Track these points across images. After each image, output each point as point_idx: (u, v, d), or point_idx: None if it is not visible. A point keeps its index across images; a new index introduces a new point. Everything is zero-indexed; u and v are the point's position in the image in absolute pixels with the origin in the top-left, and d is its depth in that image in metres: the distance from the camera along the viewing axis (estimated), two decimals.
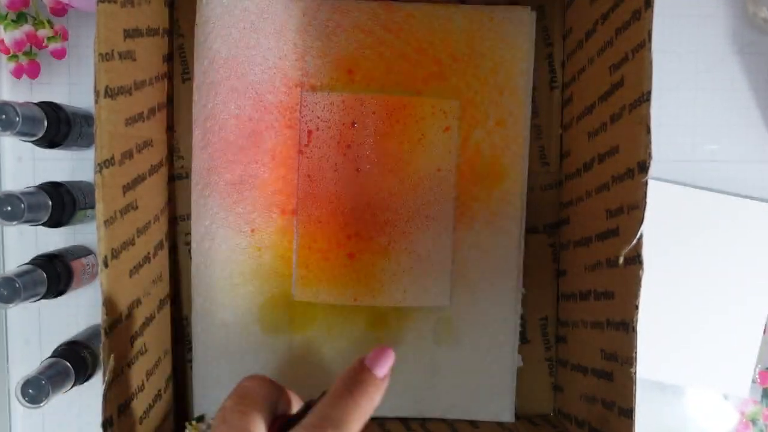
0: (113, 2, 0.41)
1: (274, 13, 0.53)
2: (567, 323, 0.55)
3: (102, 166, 0.40)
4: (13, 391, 0.55)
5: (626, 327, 0.42)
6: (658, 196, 0.57)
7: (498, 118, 0.55)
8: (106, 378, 0.40)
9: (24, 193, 0.46)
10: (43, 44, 0.53)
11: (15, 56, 0.53)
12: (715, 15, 0.57)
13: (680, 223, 0.57)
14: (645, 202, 0.40)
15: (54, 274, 0.49)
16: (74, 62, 0.56)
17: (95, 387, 0.55)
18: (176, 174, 0.55)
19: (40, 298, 0.49)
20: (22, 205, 0.45)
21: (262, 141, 0.53)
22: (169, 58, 0.54)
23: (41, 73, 0.54)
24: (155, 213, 0.50)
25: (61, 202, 0.49)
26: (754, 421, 0.59)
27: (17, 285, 0.45)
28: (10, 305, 0.45)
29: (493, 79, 0.55)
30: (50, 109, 0.49)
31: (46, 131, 0.47)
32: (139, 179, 0.46)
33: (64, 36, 0.54)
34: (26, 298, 0.47)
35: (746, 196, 0.57)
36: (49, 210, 0.48)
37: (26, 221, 0.47)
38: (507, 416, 0.56)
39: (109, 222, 0.41)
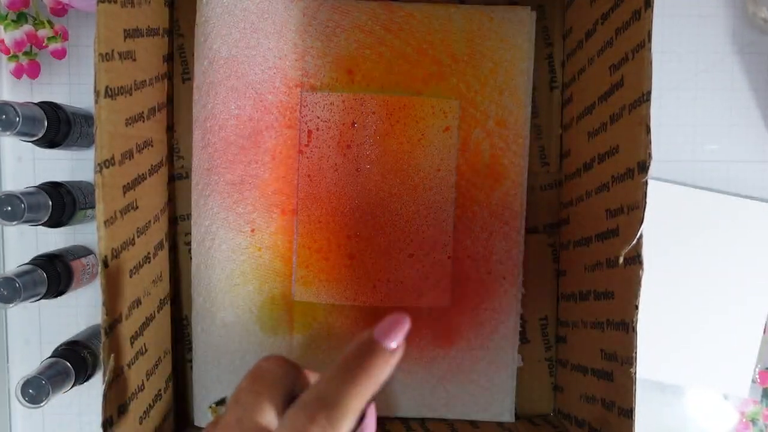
0: (113, 2, 0.41)
1: (274, 13, 0.53)
2: (567, 323, 0.55)
3: (102, 166, 0.40)
4: (13, 391, 0.55)
5: (626, 327, 0.42)
6: (658, 196, 0.57)
7: (498, 118, 0.55)
8: (106, 378, 0.40)
9: (24, 193, 0.46)
10: (44, 44, 0.53)
11: (15, 56, 0.53)
12: (715, 15, 0.57)
13: (680, 223, 0.57)
14: (645, 202, 0.40)
15: (54, 274, 0.49)
16: (74, 62, 0.56)
17: (95, 387, 0.56)
18: (176, 174, 0.55)
19: (40, 298, 0.49)
20: (22, 205, 0.45)
21: (262, 141, 0.53)
22: (169, 58, 0.54)
23: (41, 73, 0.54)
24: (155, 213, 0.50)
25: (61, 202, 0.49)
26: (754, 421, 0.59)
27: (17, 285, 0.45)
28: (10, 305, 0.45)
29: (493, 79, 0.55)
30: (50, 109, 0.49)
31: (46, 131, 0.47)
32: (139, 179, 0.46)
33: (65, 36, 0.54)
34: (26, 298, 0.47)
35: (746, 196, 0.57)
36: (49, 210, 0.48)
37: (26, 221, 0.47)
38: (507, 416, 0.56)
39: (109, 222, 0.41)
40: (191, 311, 0.54)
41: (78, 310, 0.57)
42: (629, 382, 0.41)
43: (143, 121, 0.47)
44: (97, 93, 0.39)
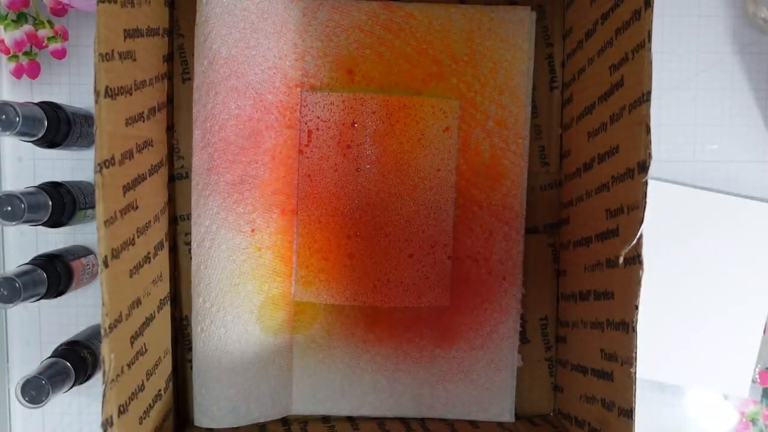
0: (113, 2, 0.41)
1: (274, 13, 0.53)
2: (567, 323, 0.55)
3: (102, 166, 0.40)
4: (13, 391, 0.55)
5: (626, 327, 0.42)
6: (658, 196, 0.57)
7: (498, 118, 0.55)
8: (106, 378, 0.40)
9: (24, 193, 0.46)
10: (44, 44, 0.53)
11: (15, 56, 0.53)
12: (715, 15, 0.57)
13: (680, 223, 0.57)
14: (645, 202, 0.40)
15: (54, 274, 0.49)
16: (74, 62, 0.56)
17: (95, 387, 0.56)
18: (176, 174, 0.55)
19: (40, 298, 0.49)
20: (23, 205, 0.45)
21: (262, 141, 0.53)
22: (169, 58, 0.54)
23: (41, 73, 0.54)
24: (155, 213, 0.50)
25: (61, 202, 0.49)
26: (754, 421, 0.59)
27: (17, 285, 0.45)
28: (10, 305, 0.45)
29: (493, 79, 0.55)
30: (50, 109, 0.49)
31: (46, 131, 0.47)
32: (139, 179, 0.46)
33: (65, 36, 0.54)
34: (26, 298, 0.47)
35: (746, 196, 0.57)
36: (49, 210, 0.48)
37: (26, 221, 0.47)
38: (507, 416, 0.56)
39: (109, 222, 0.41)
40: (191, 311, 0.54)
41: (78, 310, 0.57)
42: (629, 382, 0.41)
43: (143, 121, 0.47)
44: (97, 93, 0.39)
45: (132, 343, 0.45)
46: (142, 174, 0.47)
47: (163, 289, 0.52)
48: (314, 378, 0.55)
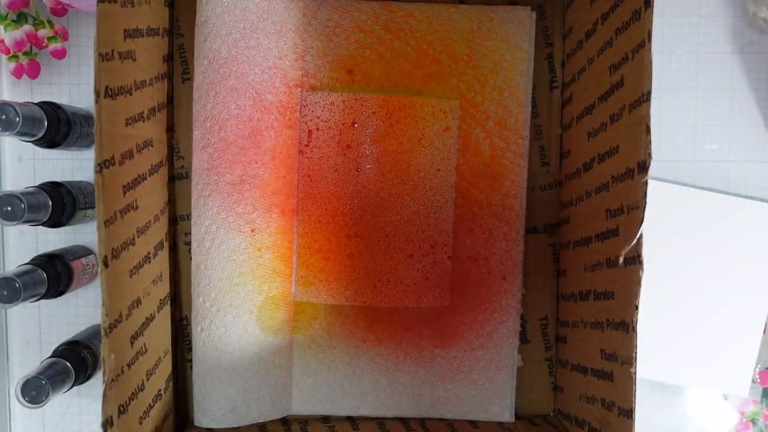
0: (113, 2, 0.41)
1: (274, 13, 0.53)
2: (567, 323, 0.55)
3: (102, 166, 0.40)
4: (13, 391, 0.55)
5: (626, 327, 0.42)
6: (658, 196, 0.57)
7: (498, 118, 0.55)
8: (106, 378, 0.40)
9: (24, 193, 0.46)
10: (44, 44, 0.53)
11: (15, 56, 0.53)
12: (715, 15, 0.57)
13: (680, 223, 0.57)
14: (645, 202, 0.40)
15: (54, 274, 0.49)
16: (74, 62, 0.56)
17: (95, 387, 0.56)
18: (176, 174, 0.55)
19: (40, 298, 0.49)
20: (23, 205, 0.45)
21: (262, 141, 0.53)
22: (169, 58, 0.54)
23: (41, 73, 0.54)
24: (155, 213, 0.50)
25: (61, 202, 0.49)
26: (754, 421, 0.59)
27: (17, 285, 0.45)
28: (11, 305, 0.45)
29: (493, 79, 0.55)
30: (50, 109, 0.49)
31: (46, 131, 0.47)
32: (139, 179, 0.46)
33: (65, 36, 0.54)
34: (26, 298, 0.47)
35: (746, 196, 0.57)
36: (49, 210, 0.48)
37: (26, 221, 0.47)
38: (507, 416, 0.56)
39: (109, 222, 0.41)
40: (191, 311, 0.54)
41: (78, 310, 0.57)
42: (629, 382, 0.41)
43: (143, 121, 0.47)
44: (97, 93, 0.39)
45: (132, 343, 0.45)
46: (142, 174, 0.47)
47: (163, 289, 0.52)
48: (314, 378, 0.55)
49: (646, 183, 0.40)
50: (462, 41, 0.55)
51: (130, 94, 0.44)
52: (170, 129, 0.55)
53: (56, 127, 0.49)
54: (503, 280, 0.55)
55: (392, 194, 0.54)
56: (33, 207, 0.46)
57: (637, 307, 0.40)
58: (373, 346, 0.55)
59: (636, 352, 0.41)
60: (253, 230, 0.53)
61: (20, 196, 0.45)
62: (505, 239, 0.55)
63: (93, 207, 0.52)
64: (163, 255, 0.52)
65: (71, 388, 0.49)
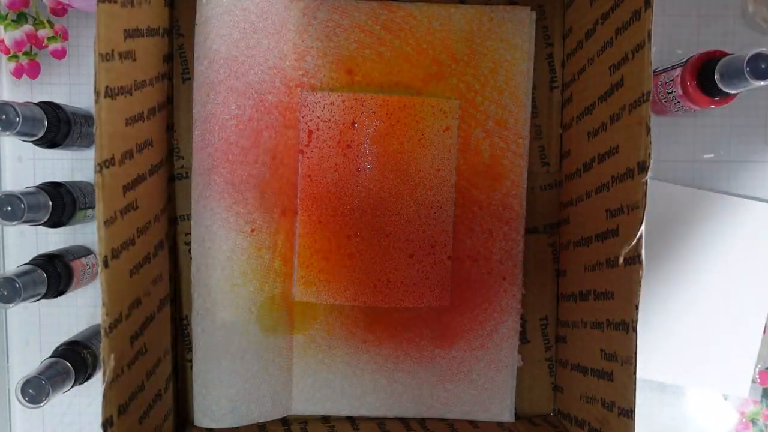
0: (113, 2, 0.41)
1: (274, 13, 0.53)
2: (567, 323, 0.55)
3: (102, 166, 0.40)
4: (13, 391, 0.55)
5: (626, 327, 0.42)
6: (658, 196, 0.57)
7: (498, 118, 0.55)
8: (106, 378, 0.40)
9: (24, 193, 0.46)
10: (43, 44, 0.53)
11: (15, 56, 0.53)
12: (715, 15, 0.57)
13: (680, 223, 0.57)
14: (645, 202, 0.40)
15: (54, 274, 0.49)
16: (74, 62, 0.56)
17: (95, 387, 0.56)
18: (176, 174, 0.55)
19: (40, 298, 0.49)
20: (23, 205, 0.45)
21: (262, 141, 0.53)
22: (169, 58, 0.54)
23: (41, 73, 0.54)
24: (155, 213, 0.50)
25: (61, 202, 0.49)
26: (753, 421, 0.59)
27: (17, 285, 0.45)
28: (10, 305, 0.45)
29: (493, 79, 0.55)
30: (50, 109, 0.49)
31: (46, 131, 0.47)
32: (139, 179, 0.46)
33: (64, 36, 0.54)
34: (26, 298, 0.47)
35: (746, 196, 0.57)
36: (49, 210, 0.48)
37: (26, 221, 0.47)
38: (507, 416, 0.56)
39: (109, 222, 0.41)
40: (191, 311, 0.54)
41: (78, 310, 0.57)
42: (629, 382, 0.41)
43: (143, 121, 0.47)
44: (97, 93, 0.39)
45: (132, 343, 0.45)
46: (142, 174, 0.47)
47: (163, 289, 0.52)
48: (314, 378, 0.55)
49: (646, 183, 0.40)
50: (462, 41, 0.55)
51: (130, 94, 0.44)
52: (170, 129, 0.55)
53: (56, 127, 0.49)
54: (503, 280, 0.55)
55: (392, 194, 0.54)
56: (33, 207, 0.46)
57: (637, 307, 0.40)
58: (373, 346, 0.55)
59: (636, 352, 0.41)
60: (253, 230, 0.53)
61: (20, 196, 0.45)
62: (505, 239, 0.55)
63: (93, 207, 0.52)
64: (163, 255, 0.52)
65: (71, 388, 0.49)
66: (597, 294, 0.48)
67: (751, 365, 0.57)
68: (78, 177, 0.56)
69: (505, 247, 0.55)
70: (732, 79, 0.47)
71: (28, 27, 0.52)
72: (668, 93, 0.52)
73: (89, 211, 0.53)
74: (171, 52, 0.55)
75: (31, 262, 0.50)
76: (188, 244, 0.55)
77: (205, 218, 0.53)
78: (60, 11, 0.54)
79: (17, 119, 0.44)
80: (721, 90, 0.48)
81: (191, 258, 0.54)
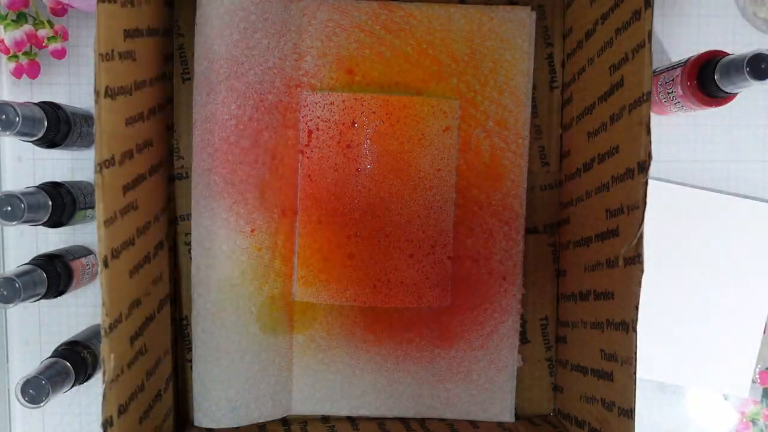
0: (113, 2, 0.41)
1: (274, 13, 0.53)
2: (567, 323, 0.55)
3: (102, 166, 0.40)
4: (13, 391, 0.55)
5: (626, 327, 0.42)
6: (658, 196, 0.57)
7: (498, 118, 0.55)
8: (106, 378, 0.40)
9: (24, 193, 0.46)
10: (43, 44, 0.53)
11: (15, 56, 0.53)
12: (715, 15, 0.57)
13: (680, 223, 0.57)
14: (645, 202, 0.40)
15: (54, 275, 0.49)
16: (74, 62, 0.56)
17: (95, 387, 0.56)
18: (176, 174, 0.55)
19: (40, 299, 0.49)
20: (22, 205, 0.45)
21: (262, 141, 0.53)
22: (169, 58, 0.54)
23: (41, 73, 0.54)
24: (155, 213, 0.50)
25: (61, 202, 0.49)
26: (754, 422, 0.59)
27: (17, 285, 0.45)
28: (10, 305, 0.45)
29: (493, 79, 0.55)
30: (50, 109, 0.49)
31: (46, 131, 0.47)
32: (139, 179, 0.46)
33: (64, 36, 0.54)
34: (26, 299, 0.47)
35: (746, 196, 0.57)
36: (49, 210, 0.48)
37: (26, 221, 0.47)
38: (507, 416, 0.56)
39: (109, 222, 0.41)
40: (191, 311, 0.54)
41: (78, 310, 0.57)
42: (629, 382, 0.41)
43: (143, 121, 0.47)
44: (97, 93, 0.39)
45: (132, 343, 0.45)
46: (142, 174, 0.47)
47: (163, 289, 0.52)
48: (314, 378, 0.55)
49: (646, 183, 0.40)
50: (462, 41, 0.55)
51: (130, 94, 0.44)
52: (170, 129, 0.55)
53: (56, 127, 0.49)
54: (503, 280, 0.55)
55: (392, 194, 0.54)
56: (33, 207, 0.46)
57: (637, 307, 0.40)
58: (373, 346, 0.55)
59: (636, 352, 0.41)
60: (253, 230, 0.53)
61: (20, 196, 0.45)
62: (505, 239, 0.55)
63: (93, 207, 0.52)
64: (163, 255, 0.52)
65: (71, 388, 0.49)
66: (597, 294, 0.48)
67: (751, 365, 0.57)
68: (78, 177, 0.56)
69: (505, 247, 0.55)
70: (732, 80, 0.47)
71: (28, 27, 0.52)
72: (668, 93, 0.52)
73: (89, 211, 0.53)
74: (171, 52, 0.55)
75: (31, 262, 0.50)
76: (188, 244, 0.55)
77: (205, 218, 0.53)
78: (60, 11, 0.54)
79: (17, 119, 0.44)
80: (721, 90, 0.48)
81: (191, 258, 0.54)
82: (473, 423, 0.56)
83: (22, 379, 0.45)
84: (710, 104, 0.50)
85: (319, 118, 0.54)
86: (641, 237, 0.40)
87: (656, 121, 0.56)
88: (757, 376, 0.58)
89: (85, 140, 0.52)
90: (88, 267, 0.54)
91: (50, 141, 0.49)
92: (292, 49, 0.54)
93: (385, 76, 0.55)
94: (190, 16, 0.53)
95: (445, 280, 0.55)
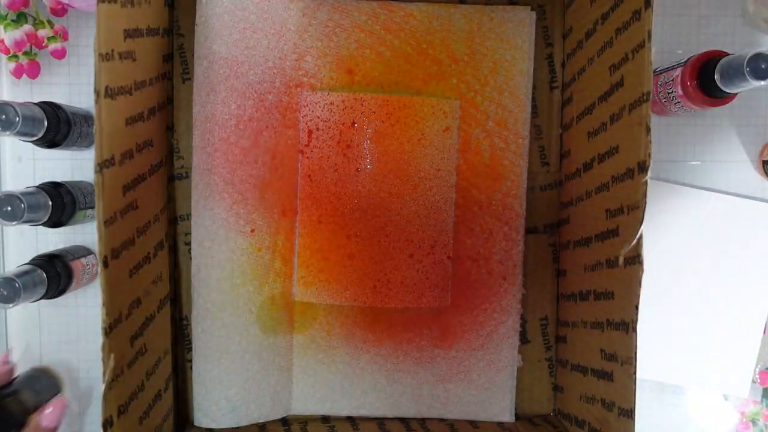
0: (113, 2, 0.41)
1: (273, 13, 0.53)
2: (567, 323, 0.55)
3: (102, 166, 0.40)
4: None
5: (626, 327, 0.42)
6: (658, 196, 0.57)
7: (498, 119, 0.55)
8: (106, 378, 0.40)
9: (24, 193, 0.46)
10: (43, 44, 0.53)
11: (15, 56, 0.53)
12: (715, 15, 0.57)
13: (680, 223, 0.57)
14: (645, 202, 0.40)
15: (54, 275, 0.49)
16: (74, 62, 0.56)
17: (95, 387, 0.56)
18: (176, 174, 0.55)
19: (40, 299, 0.49)
20: (22, 205, 0.45)
21: (262, 141, 0.53)
22: (169, 58, 0.54)
23: (41, 73, 0.54)
24: (155, 213, 0.50)
25: (61, 202, 0.49)
26: (754, 422, 0.59)
27: (17, 285, 0.45)
28: (10, 305, 0.45)
29: (493, 80, 0.55)
30: (50, 109, 0.49)
31: (46, 131, 0.47)
32: (139, 179, 0.46)
33: (64, 36, 0.54)
34: (26, 299, 0.47)
35: (746, 196, 0.57)
36: (49, 210, 0.48)
37: (26, 221, 0.47)
38: (507, 416, 0.56)
39: (109, 222, 0.41)
40: (191, 311, 0.54)
41: (78, 310, 0.57)
42: (629, 382, 0.41)
43: (143, 121, 0.47)
44: (97, 93, 0.39)
45: (132, 343, 0.45)
46: (142, 174, 0.47)
47: (163, 289, 0.52)
48: (314, 378, 0.55)
49: (646, 183, 0.40)
50: (462, 41, 0.55)
51: (130, 94, 0.44)
52: (170, 129, 0.55)
53: (56, 127, 0.49)
54: (503, 280, 0.55)
55: (392, 194, 0.54)
56: (33, 207, 0.46)
57: (637, 307, 0.40)
58: (373, 346, 0.55)
59: (636, 352, 0.41)
60: (253, 230, 0.53)
61: (20, 196, 0.45)
62: (505, 239, 0.55)
63: (93, 207, 0.52)
64: (163, 255, 0.52)
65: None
66: (597, 294, 0.48)
67: (751, 365, 0.57)
68: (78, 177, 0.56)
69: (505, 247, 0.55)
70: (732, 79, 0.47)
71: (28, 27, 0.52)
72: (668, 93, 0.52)
73: (89, 211, 0.53)
74: (171, 52, 0.55)
75: (31, 262, 0.50)
76: (188, 244, 0.55)
77: (205, 218, 0.53)
78: (60, 11, 0.54)
79: (17, 119, 0.44)
80: (721, 90, 0.48)
81: (191, 258, 0.54)
82: (473, 423, 0.56)
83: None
84: (710, 104, 0.50)
85: (319, 118, 0.54)
86: (641, 237, 0.40)
87: (656, 121, 0.56)
88: (757, 376, 0.58)
89: (85, 140, 0.52)
90: (88, 267, 0.54)
91: (50, 141, 0.49)
92: (292, 49, 0.54)
93: (385, 76, 0.55)
94: (190, 16, 0.53)
95: (445, 280, 0.55)
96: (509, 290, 0.55)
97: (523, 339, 0.57)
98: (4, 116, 0.44)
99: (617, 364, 0.43)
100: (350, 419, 0.56)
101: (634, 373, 0.41)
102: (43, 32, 0.53)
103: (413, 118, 0.54)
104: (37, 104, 0.48)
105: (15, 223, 0.45)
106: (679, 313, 0.57)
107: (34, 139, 0.48)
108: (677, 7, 0.57)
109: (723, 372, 0.58)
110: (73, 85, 0.56)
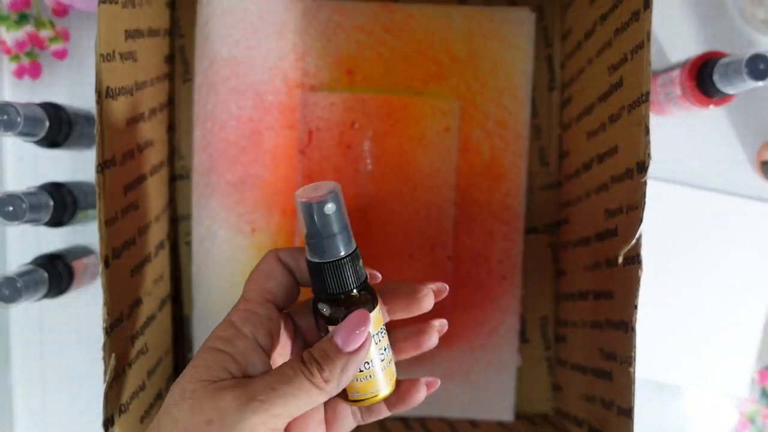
0: (114, 3, 0.41)
1: (274, 13, 0.53)
2: (566, 323, 0.55)
3: (103, 166, 0.40)
4: (14, 391, 0.55)
5: (625, 327, 0.42)
6: (658, 196, 0.57)
7: (498, 119, 0.55)
8: (106, 378, 0.40)
9: (26, 193, 0.46)
10: (45, 45, 0.53)
11: (17, 57, 0.53)
12: (715, 15, 0.57)
13: (680, 223, 0.57)
14: (644, 202, 0.40)
15: (55, 274, 0.50)
16: (76, 63, 0.56)
17: (97, 387, 0.56)
18: (177, 174, 0.56)
19: (42, 298, 0.49)
20: (24, 205, 0.45)
21: (262, 141, 0.53)
22: (169, 59, 0.54)
23: (43, 73, 0.55)
24: (156, 213, 0.50)
25: (62, 202, 0.49)
26: (753, 421, 0.59)
27: (19, 285, 0.45)
28: (12, 305, 0.46)
29: (493, 80, 0.55)
30: (52, 109, 0.49)
31: (47, 132, 0.48)
32: (140, 179, 0.47)
33: (66, 37, 0.54)
34: (27, 298, 0.47)
35: (746, 196, 0.58)
36: (51, 210, 0.48)
37: (28, 221, 0.47)
38: (507, 415, 0.56)
39: (110, 222, 0.41)
40: (192, 311, 0.54)
41: (79, 310, 0.57)
42: (628, 381, 0.41)
43: (144, 122, 0.47)
44: (98, 93, 0.40)
45: (133, 342, 0.45)
46: (143, 174, 0.47)
47: (164, 288, 0.52)
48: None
49: (645, 183, 0.40)
50: (462, 41, 0.55)
51: (131, 95, 0.45)
52: (171, 129, 0.55)
53: (57, 127, 0.49)
54: (503, 280, 0.55)
55: (392, 194, 0.54)
56: (34, 207, 0.46)
57: (636, 307, 0.40)
58: None
59: (635, 352, 0.41)
60: (253, 230, 0.53)
61: (22, 196, 0.45)
62: (505, 239, 0.55)
63: (94, 207, 0.52)
64: (164, 255, 0.52)
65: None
66: (596, 294, 0.48)
67: (750, 365, 0.58)
68: (79, 177, 0.56)
69: (504, 247, 0.55)
70: (730, 80, 0.47)
71: (29, 27, 0.52)
72: (668, 93, 0.52)
73: (90, 211, 0.53)
74: (172, 52, 0.55)
75: (32, 262, 0.50)
76: (189, 244, 0.55)
77: (206, 218, 0.53)
78: (61, 12, 0.54)
79: (19, 119, 0.44)
80: (720, 90, 0.49)
81: (192, 258, 0.54)
82: (473, 422, 0.56)
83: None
84: (709, 104, 0.51)
85: (319, 118, 0.54)
86: (640, 237, 0.40)
87: (655, 121, 0.56)
88: (757, 376, 0.58)
89: (86, 140, 0.53)
90: (89, 267, 0.54)
91: (52, 141, 0.49)
92: (292, 50, 0.54)
93: (385, 76, 0.55)
94: (191, 17, 0.54)
95: (445, 280, 0.55)
96: (509, 290, 0.55)
97: (523, 338, 0.57)
98: (6, 117, 0.44)
99: (616, 364, 0.43)
100: None
101: (633, 372, 0.41)
102: (45, 33, 0.53)
103: (413, 119, 0.54)
104: (39, 105, 0.49)
105: (17, 223, 0.45)
106: (679, 313, 0.58)
107: (36, 139, 0.48)
108: (677, 7, 0.57)
109: (722, 371, 0.58)
110: (74, 85, 0.56)
